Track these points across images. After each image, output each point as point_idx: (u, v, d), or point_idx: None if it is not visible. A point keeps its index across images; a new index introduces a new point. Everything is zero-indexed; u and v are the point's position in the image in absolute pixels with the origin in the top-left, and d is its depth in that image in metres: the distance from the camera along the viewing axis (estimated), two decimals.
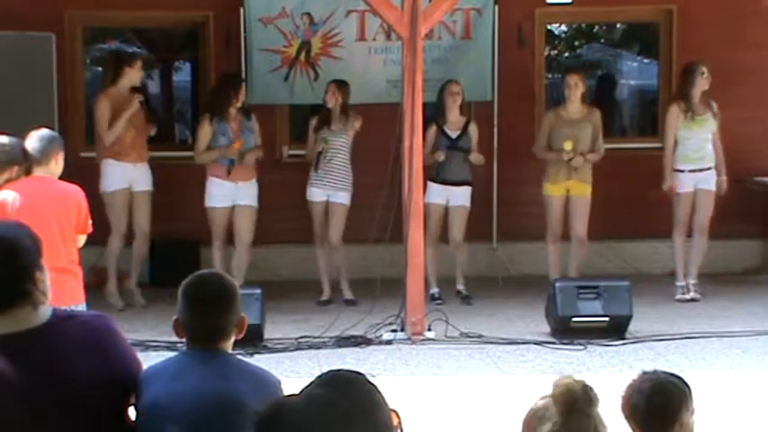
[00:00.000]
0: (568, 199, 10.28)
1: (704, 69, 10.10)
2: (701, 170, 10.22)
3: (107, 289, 9.99)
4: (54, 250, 6.10)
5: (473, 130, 10.37)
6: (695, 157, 10.21)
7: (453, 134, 10.28)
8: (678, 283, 10.34)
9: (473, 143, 10.34)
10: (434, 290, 10.25)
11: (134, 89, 10.03)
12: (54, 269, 5.96)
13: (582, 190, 10.26)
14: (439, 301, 10.06)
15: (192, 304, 3.50)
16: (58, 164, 6.37)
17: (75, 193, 6.32)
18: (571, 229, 10.32)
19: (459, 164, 10.26)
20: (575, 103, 10.22)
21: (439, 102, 10.30)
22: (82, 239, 6.40)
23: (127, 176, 10.02)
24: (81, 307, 6.01)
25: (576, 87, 10.17)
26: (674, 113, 10.25)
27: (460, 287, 10.36)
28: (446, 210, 10.31)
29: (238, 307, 3.51)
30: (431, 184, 10.16)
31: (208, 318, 3.49)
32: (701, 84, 10.10)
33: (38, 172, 6.27)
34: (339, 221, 10.21)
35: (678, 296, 10.29)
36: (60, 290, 5.96)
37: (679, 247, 10.35)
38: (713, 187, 10.23)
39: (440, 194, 10.25)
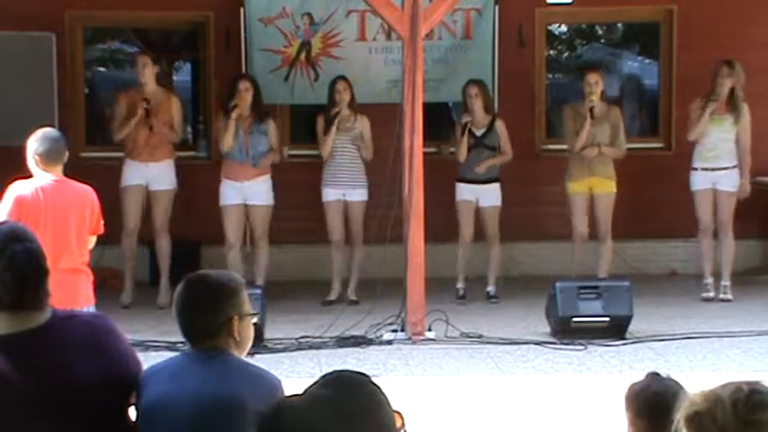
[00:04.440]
0: (592, 196, 10.27)
1: (726, 69, 10.05)
2: (713, 169, 10.20)
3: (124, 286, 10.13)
4: (70, 251, 6.14)
5: (500, 127, 10.39)
6: (709, 156, 10.18)
7: (478, 132, 10.32)
8: (705, 281, 10.30)
9: (502, 140, 10.36)
10: (461, 286, 10.29)
11: (145, 100, 10.04)
12: (69, 270, 6.08)
13: (606, 187, 10.24)
14: (461, 301, 10.08)
15: (174, 304, 3.54)
16: (64, 162, 6.41)
17: (89, 193, 6.38)
18: (597, 228, 10.30)
19: (483, 161, 10.29)
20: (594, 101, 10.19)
21: (464, 103, 10.40)
22: (92, 240, 6.43)
23: (140, 175, 10.12)
24: (91, 308, 6.02)
25: (596, 85, 10.16)
26: (695, 106, 10.22)
27: (490, 288, 10.40)
28: (477, 208, 10.34)
29: (222, 307, 3.47)
30: (459, 184, 10.26)
31: (183, 316, 3.51)
32: (719, 78, 10.06)
33: (49, 172, 6.29)
34: (358, 220, 10.24)
35: (704, 294, 10.26)
36: (74, 291, 6.03)
37: (705, 247, 10.31)
38: (732, 188, 10.19)
39: (469, 193, 10.31)
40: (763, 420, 2.30)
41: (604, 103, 10.34)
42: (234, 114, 9.90)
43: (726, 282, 10.28)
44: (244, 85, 10.06)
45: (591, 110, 10.05)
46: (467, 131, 10.22)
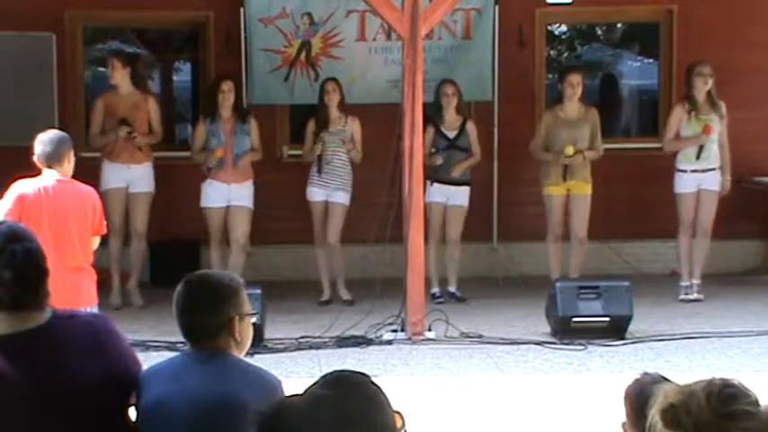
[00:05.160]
0: (569, 198, 10.27)
1: (702, 69, 10.06)
2: (703, 171, 10.19)
3: (111, 287, 10.04)
4: (73, 251, 6.16)
5: (470, 128, 10.36)
6: (700, 157, 10.17)
7: (451, 134, 10.29)
8: (682, 284, 10.32)
9: (471, 141, 10.34)
10: (435, 289, 10.26)
11: (122, 121, 10.00)
12: (72, 270, 6.11)
13: (582, 189, 10.24)
14: (440, 300, 10.07)
15: (174, 304, 3.54)
16: (70, 163, 6.42)
17: (91, 193, 6.41)
18: (571, 229, 10.32)
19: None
20: (573, 103, 10.20)
21: (435, 102, 10.32)
22: (96, 241, 6.44)
23: (121, 177, 10.07)
24: (94, 308, 6.04)
25: (578, 86, 10.15)
26: (677, 113, 10.24)
27: (452, 288, 10.37)
28: (446, 209, 10.32)
29: (224, 308, 3.48)
30: (431, 184, 10.18)
31: (185, 317, 3.52)
32: (699, 83, 10.07)
33: (52, 173, 6.30)
34: (337, 221, 10.21)
35: (682, 296, 10.28)
36: (77, 291, 6.06)
37: (684, 247, 10.31)
38: (717, 188, 10.20)
39: (440, 194, 10.25)
40: (735, 411, 2.33)
41: (582, 104, 10.32)
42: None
43: (697, 280, 10.27)
44: (227, 86, 10.03)
45: (565, 168, 10.05)
46: (432, 131, 10.20)
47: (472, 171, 10.43)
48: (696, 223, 10.29)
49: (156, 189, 10.21)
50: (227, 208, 10.08)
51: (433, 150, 10.15)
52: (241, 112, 10.10)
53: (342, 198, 10.20)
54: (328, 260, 10.31)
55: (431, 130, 10.23)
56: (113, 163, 10.06)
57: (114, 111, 10.05)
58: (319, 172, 10.15)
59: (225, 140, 9.95)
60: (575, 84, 10.14)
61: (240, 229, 10.08)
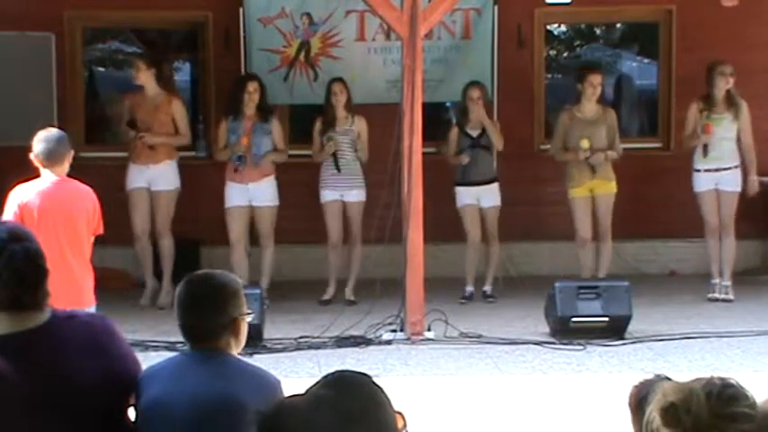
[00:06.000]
0: (593, 199, 10.25)
1: (724, 68, 10.06)
2: (717, 170, 10.17)
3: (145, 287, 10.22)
4: (76, 250, 6.17)
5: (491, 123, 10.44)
6: (711, 156, 10.16)
7: (474, 132, 10.32)
8: (713, 281, 10.30)
9: (494, 135, 10.38)
10: (469, 288, 10.32)
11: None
12: (76, 269, 6.11)
13: (606, 188, 10.21)
14: (463, 301, 10.13)
15: (176, 304, 3.54)
16: (68, 162, 6.42)
17: (90, 193, 6.43)
18: (598, 225, 10.28)
19: (484, 162, 10.33)
20: (591, 103, 10.17)
21: (461, 104, 10.39)
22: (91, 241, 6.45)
23: (142, 177, 10.16)
24: (92, 309, 6.03)
25: (598, 86, 10.13)
26: (692, 112, 10.23)
27: (487, 288, 10.43)
28: (479, 210, 10.37)
29: (227, 308, 3.49)
30: (459, 188, 10.25)
31: (188, 317, 3.51)
32: (721, 82, 10.06)
33: (51, 172, 6.30)
34: (357, 219, 10.25)
35: (710, 295, 10.26)
36: (79, 291, 6.07)
37: (712, 249, 10.28)
38: (735, 188, 10.17)
39: (470, 196, 10.31)
40: (734, 413, 2.34)
41: (599, 105, 10.31)
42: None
43: (727, 282, 10.28)
44: (253, 87, 10.05)
45: (587, 160, 10.04)
46: (456, 132, 10.28)
47: None
48: (719, 224, 10.28)
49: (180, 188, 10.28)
50: (251, 208, 10.09)
51: (448, 151, 10.23)
52: (264, 112, 10.10)
53: (357, 196, 10.24)
54: (339, 261, 10.32)
55: (454, 130, 10.32)
56: (135, 164, 10.19)
57: (137, 111, 10.13)
58: (339, 170, 10.16)
59: (244, 133, 9.95)
60: (596, 84, 10.11)
61: (265, 230, 10.16)
